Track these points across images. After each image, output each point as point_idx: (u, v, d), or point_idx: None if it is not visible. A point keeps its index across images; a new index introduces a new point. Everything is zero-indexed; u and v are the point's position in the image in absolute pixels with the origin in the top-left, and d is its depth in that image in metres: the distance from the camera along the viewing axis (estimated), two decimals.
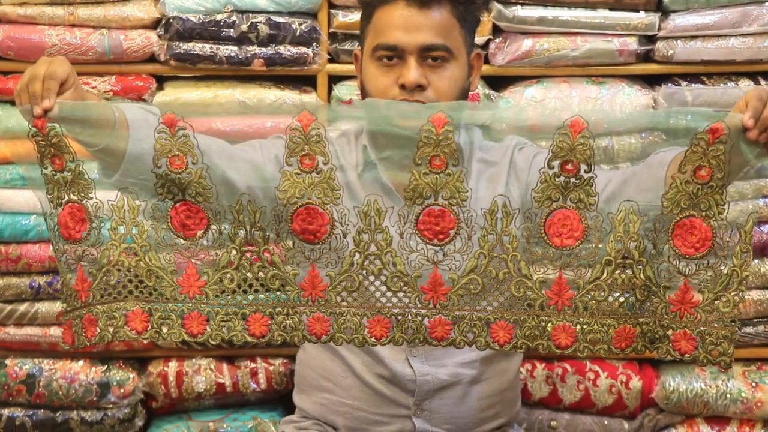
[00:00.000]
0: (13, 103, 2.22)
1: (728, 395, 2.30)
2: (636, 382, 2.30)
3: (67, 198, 1.30)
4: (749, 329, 2.31)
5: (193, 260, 1.32)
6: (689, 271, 1.29)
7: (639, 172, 1.53)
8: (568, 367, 2.28)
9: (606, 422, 2.34)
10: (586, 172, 1.24)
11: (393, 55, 1.52)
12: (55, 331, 2.26)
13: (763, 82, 2.22)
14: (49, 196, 1.30)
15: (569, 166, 1.24)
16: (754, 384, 2.31)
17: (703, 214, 1.27)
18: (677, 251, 1.28)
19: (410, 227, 1.27)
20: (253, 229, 1.30)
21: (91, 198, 1.30)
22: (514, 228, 1.27)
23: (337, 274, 1.29)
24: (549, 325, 1.31)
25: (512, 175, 1.62)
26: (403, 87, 1.51)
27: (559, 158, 1.24)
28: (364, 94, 1.58)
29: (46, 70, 1.30)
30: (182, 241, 1.32)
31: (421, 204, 1.26)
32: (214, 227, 1.31)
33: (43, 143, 1.29)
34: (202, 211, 1.31)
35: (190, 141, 1.27)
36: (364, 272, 1.29)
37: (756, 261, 2.27)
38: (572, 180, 1.25)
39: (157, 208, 1.31)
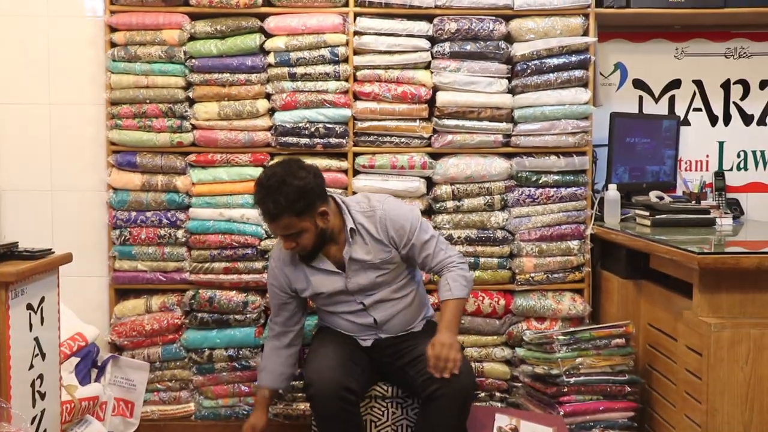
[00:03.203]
0: (203, 167, 4.30)
1: (545, 306, 4.11)
2: (502, 301, 4.11)
3: None
4: (558, 275, 4.22)
5: None
6: None
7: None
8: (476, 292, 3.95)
9: (488, 321, 3.98)
10: None
11: None
12: (218, 277, 4.16)
13: (562, 158, 4.27)
14: None
15: None
16: (557, 301, 4.17)
17: None
18: None
19: None
20: None
21: None
22: None
23: None
24: None
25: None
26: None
27: None
28: None
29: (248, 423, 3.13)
30: None
31: None
32: None
33: None
34: None
35: None
36: None
37: (557, 243, 4.28)
38: None
39: None
